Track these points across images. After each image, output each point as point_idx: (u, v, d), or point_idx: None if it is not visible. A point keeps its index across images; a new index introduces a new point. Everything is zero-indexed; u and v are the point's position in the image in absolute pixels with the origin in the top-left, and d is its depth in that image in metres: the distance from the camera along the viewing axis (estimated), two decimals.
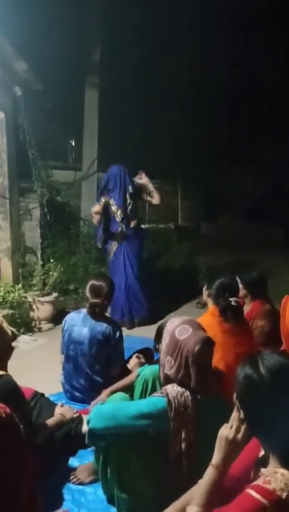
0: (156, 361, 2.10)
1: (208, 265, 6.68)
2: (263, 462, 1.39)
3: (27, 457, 1.34)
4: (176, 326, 1.88)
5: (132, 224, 4.83)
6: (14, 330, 2.27)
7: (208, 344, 1.82)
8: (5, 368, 2.09)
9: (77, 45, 7.66)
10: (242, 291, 3.39)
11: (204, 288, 2.85)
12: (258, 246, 9.47)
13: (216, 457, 1.42)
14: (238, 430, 1.39)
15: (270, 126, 11.25)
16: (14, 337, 2.26)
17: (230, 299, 2.60)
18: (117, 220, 4.79)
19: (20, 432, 1.31)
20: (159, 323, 2.50)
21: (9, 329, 2.18)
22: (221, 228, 12.39)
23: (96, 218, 4.90)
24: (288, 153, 11.43)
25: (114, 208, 4.77)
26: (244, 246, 9.53)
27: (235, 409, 1.40)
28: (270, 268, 6.53)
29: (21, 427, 1.32)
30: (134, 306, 4.83)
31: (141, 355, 2.98)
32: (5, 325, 2.15)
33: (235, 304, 2.61)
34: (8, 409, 1.28)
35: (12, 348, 2.18)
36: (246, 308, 3.47)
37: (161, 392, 1.80)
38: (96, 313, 2.92)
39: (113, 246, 4.87)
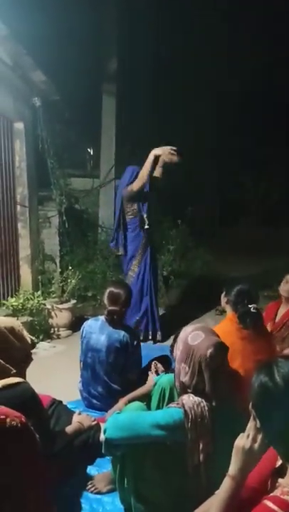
0: (173, 369, 2.09)
1: (231, 273, 6.61)
2: (281, 472, 1.36)
3: (41, 467, 1.33)
4: (189, 332, 1.88)
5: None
6: (34, 338, 2.28)
7: (220, 348, 1.81)
8: (23, 376, 2.10)
9: (94, 53, 7.76)
10: None
11: (223, 295, 2.83)
12: (277, 251, 9.32)
13: (233, 468, 1.39)
14: (254, 440, 1.37)
15: (284, 128, 11.17)
16: (33, 345, 2.27)
17: (250, 306, 2.58)
18: (145, 226, 4.49)
19: (35, 443, 1.31)
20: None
21: (29, 337, 2.19)
22: (239, 233, 12.27)
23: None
24: None
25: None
26: (263, 251, 9.40)
27: (251, 419, 1.38)
28: None
29: (37, 436, 1.31)
30: (151, 320, 4.62)
31: (158, 363, 2.96)
32: (24, 333, 2.16)
33: (254, 310, 2.58)
34: (23, 419, 1.28)
35: (31, 357, 2.20)
36: (285, 308, 3.49)
37: (178, 403, 1.79)
38: (114, 320, 2.92)
39: (134, 265, 4.56)
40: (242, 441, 1.38)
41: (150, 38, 9.12)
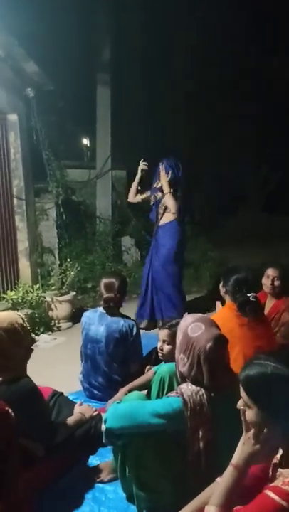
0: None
1: (231, 261, 6.60)
2: (282, 462, 1.36)
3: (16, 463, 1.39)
4: (189, 323, 1.85)
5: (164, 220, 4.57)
6: (33, 336, 2.29)
7: (220, 341, 1.79)
8: (24, 369, 2.10)
9: (87, 42, 7.65)
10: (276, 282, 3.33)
11: (220, 285, 2.82)
12: (278, 238, 9.30)
13: (237, 458, 1.39)
14: (260, 433, 1.33)
15: (281, 116, 11.10)
16: (33, 341, 2.26)
17: (248, 295, 2.57)
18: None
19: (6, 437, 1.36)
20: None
21: (29, 335, 2.18)
22: (239, 221, 12.22)
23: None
24: None
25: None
26: (264, 239, 9.38)
27: (254, 412, 1.34)
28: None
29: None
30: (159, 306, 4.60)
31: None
32: (26, 331, 2.11)
33: (253, 299, 2.58)
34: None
35: (31, 351, 2.18)
36: (271, 303, 3.43)
37: (176, 392, 1.79)
38: (111, 308, 2.93)
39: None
40: (248, 435, 1.36)
41: (143, 26, 8.98)
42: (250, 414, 1.34)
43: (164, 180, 4.40)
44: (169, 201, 4.40)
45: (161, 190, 4.47)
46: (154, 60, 9.49)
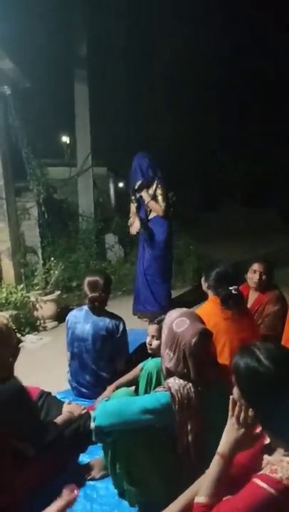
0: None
1: (214, 255, 6.67)
2: (269, 450, 1.39)
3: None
4: (174, 318, 1.87)
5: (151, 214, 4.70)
6: (19, 336, 2.27)
7: (205, 336, 1.81)
8: (11, 370, 2.08)
9: (63, 38, 7.56)
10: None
11: (202, 280, 2.84)
12: (260, 232, 9.42)
13: (222, 446, 1.42)
14: (243, 419, 1.38)
15: (261, 113, 11.22)
16: (18, 341, 2.25)
17: (230, 288, 2.60)
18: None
19: None
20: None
21: (15, 336, 2.16)
22: (221, 217, 12.32)
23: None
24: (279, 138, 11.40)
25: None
26: (246, 233, 9.50)
27: (239, 399, 1.39)
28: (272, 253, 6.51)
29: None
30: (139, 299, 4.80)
31: None
32: (12, 333, 2.10)
33: (235, 292, 2.61)
34: None
35: (17, 353, 2.16)
36: (254, 296, 3.47)
37: (164, 387, 1.80)
38: (96, 307, 2.92)
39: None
40: (232, 420, 1.40)
41: (120, 22, 8.93)
42: (236, 393, 1.40)
43: (143, 194, 4.59)
44: (152, 207, 4.61)
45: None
46: (136, 57, 9.46)
